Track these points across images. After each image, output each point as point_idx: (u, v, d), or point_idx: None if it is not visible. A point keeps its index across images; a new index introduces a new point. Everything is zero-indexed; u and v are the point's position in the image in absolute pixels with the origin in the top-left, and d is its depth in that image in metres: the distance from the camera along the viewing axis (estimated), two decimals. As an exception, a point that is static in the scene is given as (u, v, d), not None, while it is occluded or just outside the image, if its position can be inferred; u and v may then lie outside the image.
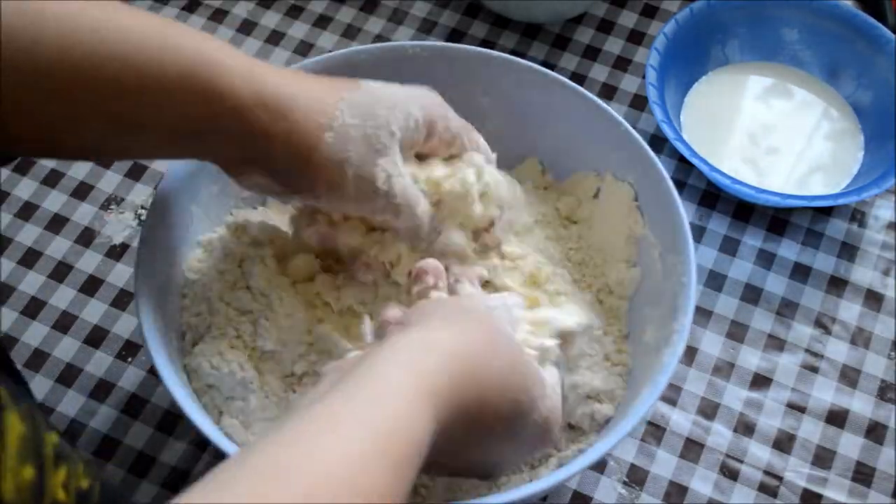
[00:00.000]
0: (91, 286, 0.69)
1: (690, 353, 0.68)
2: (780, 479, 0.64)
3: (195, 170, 0.61)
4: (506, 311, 0.54)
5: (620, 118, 0.63)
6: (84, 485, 0.42)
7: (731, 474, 0.64)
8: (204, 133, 0.50)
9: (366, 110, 0.52)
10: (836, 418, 0.66)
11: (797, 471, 0.64)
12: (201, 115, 0.49)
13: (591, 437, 0.59)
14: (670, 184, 0.60)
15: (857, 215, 0.74)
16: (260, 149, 0.51)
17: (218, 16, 0.83)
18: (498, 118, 0.66)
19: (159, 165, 0.74)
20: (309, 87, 0.52)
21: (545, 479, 0.51)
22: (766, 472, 0.64)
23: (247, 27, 0.82)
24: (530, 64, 0.65)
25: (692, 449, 0.65)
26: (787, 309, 0.70)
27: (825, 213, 0.73)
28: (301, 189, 0.53)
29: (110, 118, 0.49)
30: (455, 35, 0.81)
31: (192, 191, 0.62)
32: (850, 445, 0.65)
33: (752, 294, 0.70)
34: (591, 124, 0.64)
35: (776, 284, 0.71)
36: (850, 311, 0.70)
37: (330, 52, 0.81)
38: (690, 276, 0.57)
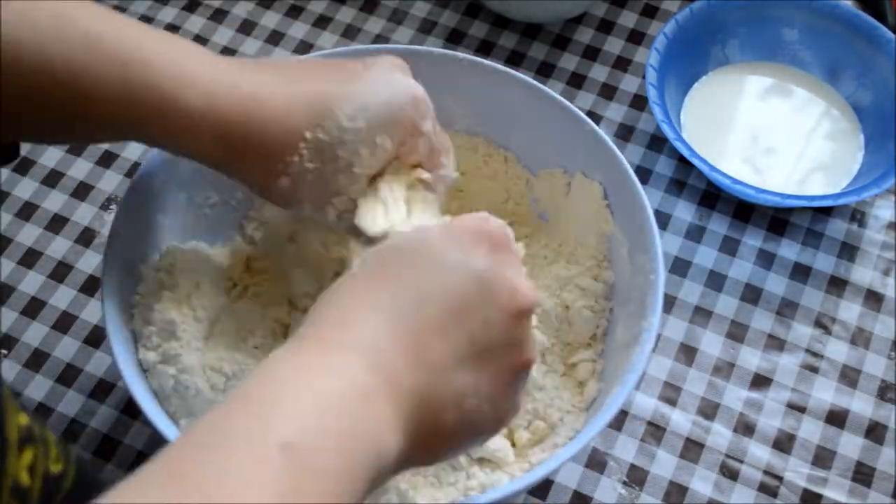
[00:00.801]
0: (91, 286, 0.69)
1: (690, 353, 0.68)
2: (780, 479, 0.64)
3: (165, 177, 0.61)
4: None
5: (586, 118, 0.63)
6: (55, 469, 0.41)
7: (731, 474, 0.64)
8: (168, 147, 0.51)
9: (328, 153, 0.50)
10: (836, 418, 0.66)
11: (797, 471, 0.64)
12: (159, 133, 0.48)
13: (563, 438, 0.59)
14: (636, 182, 0.60)
15: (857, 215, 0.74)
16: (221, 170, 0.51)
17: (218, 16, 0.83)
18: (465, 119, 0.67)
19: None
20: (274, 111, 0.49)
21: (508, 484, 0.53)
22: (766, 472, 0.64)
23: (247, 27, 0.82)
24: (494, 65, 0.65)
25: (692, 449, 0.65)
26: (787, 309, 0.70)
27: (825, 213, 0.73)
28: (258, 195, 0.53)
29: (65, 125, 0.49)
30: (455, 35, 0.82)
31: (161, 199, 0.62)
32: (850, 445, 0.65)
33: (752, 294, 0.70)
34: (557, 123, 0.64)
35: (776, 284, 0.71)
36: (850, 311, 0.70)
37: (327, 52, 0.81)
38: (658, 274, 0.57)
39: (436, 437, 0.43)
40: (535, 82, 0.64)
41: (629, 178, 0.61)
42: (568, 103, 0.64)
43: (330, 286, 0.45)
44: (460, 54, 0.65)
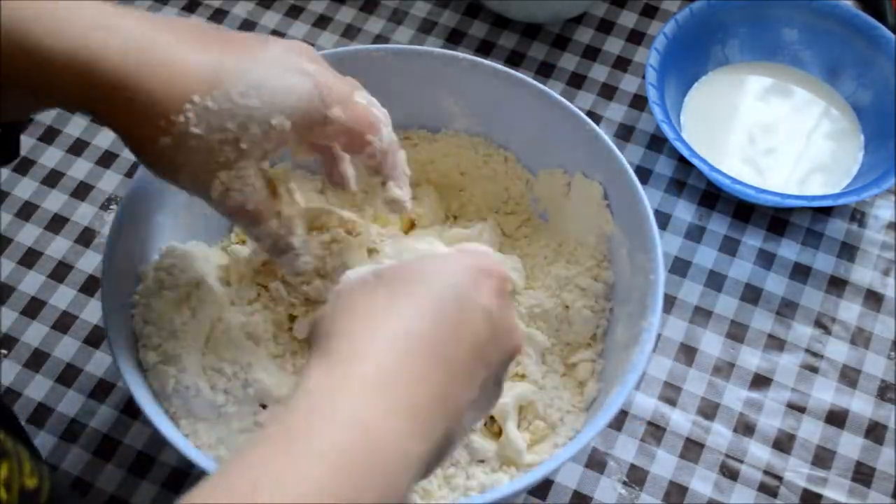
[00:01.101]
0: (91, 286, 0.69)
1: (690, 353, 0.68)
2: (780, 479, 0.64)
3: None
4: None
5: (586, 118, 0.63)
6: (30, 484, 0.40)
7: (731, 474, 0.64)
8: (40, 95, 0.48)
9: (215, 122, 0.47)
10: (836, 418, 0.66)
11: (797, 471, 0.64)
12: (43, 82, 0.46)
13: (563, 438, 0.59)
14: (636, 182, 0.60)
15: (857, 215, 0.74)
16: (104, 121, 0.49)
17: (218, 16, 0.83)
18: (465, 119, 0.67)
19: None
20: (165, 67, 0.47)
21: (508, 484, 0.53)
22: (766, 472, 0.64)
23: (247, 27, 0.82)
24: (494, 65, 0.65)
25: (692, 449, 0.65)
26: (787, 309, 0.70)
27: (825, 213, 0.73)
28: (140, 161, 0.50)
29: None
30: (455, 35, 0.82)
31: (159, 200, 0.62)
32: (850, 445, 0.65)
33: (752, 294, 0.70)
34: (557, 123, 0.64)
35: (776, 284, 0.71)
36: (850, 311, 0.70)
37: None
38: (658, 274, 0.57)
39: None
40: (534, 82, 0.64)
41: (629, 177, 0.61)
42: (568, 103, 0.64)
43: (335, 301, 0.45)
44: (460, 54, 0.65)
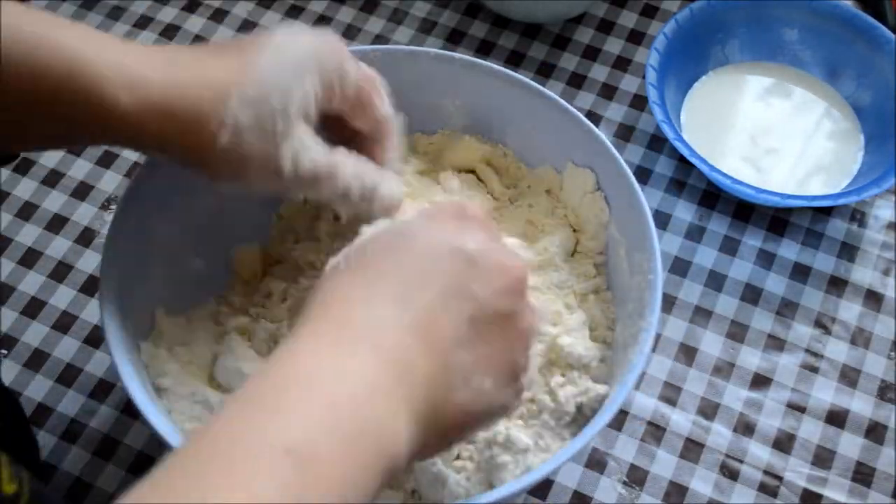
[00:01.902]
0: (91, 286, 0.69)
1: (690, 353, 0.68)
2: (780, 479, 0.64)
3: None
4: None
5: (583, 117, 0.63)
6: (9, 490, 0.40)
7: (731, 474, 0.64)
8: (94, 136, 0.51)
9: (258, 103, 0.49)
10: (836, 418, 0.66)
11: (797, 471, 0.64)
12: (87, 122, 0.48)
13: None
14: (633, 181, 0.60)
15: (857, 215, 0.74)
16: (155, 149, 0.51)
17: (218, 16, 0.83)
18: (462, 118, 0.67)
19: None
20: (194, 76, 0.49)
21: (508, 485, 0.52)
22: (766, 472, 0.64)
23: (247, 27, 0.82)
24: (491, 65, 0.65)
25: (692, 449, 0.65)
26: (787, 309, 0.70)
27: (825, 213, 0.73)
28: (208, 176, 0.52)
29: None
30: (455, 35, 0.82)
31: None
32: (850, 445, 0.65)
33: (752, 294, 0.70)
34: (554, 123, 0.64)
35: (776, 284, 0.71)
36: (850, 311, 0.70)
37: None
38: (657, 274, 0.57)
39: (448, 419, 0.44)
40: (531, 83, 0.64)
41: (627, 178, 0.60)
42: (565, 103, 0.63)
43: (317, 283, 0.45)
44: (457, 55, 0.65)
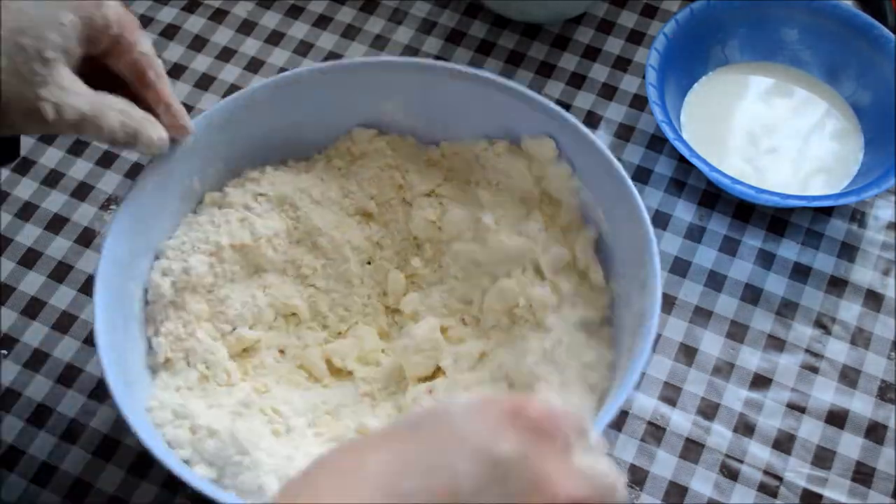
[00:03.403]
0: (91, 286, 0.69)
1: (690, 353, 0.68)
2: (780, 479, 0.64)
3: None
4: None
5: (555, 107, 0.64)
6: None
7: (731, 474, 0.64)
8: None
9: (11, 47, 0.47)
10: (836, 418, 0.66)
11: (797, 471, 0.64)
12: None
13: None
14: (627, 179, 0.61)
15: (857, 215, 0.74)
16: None
17: (218, 16, 0.83)
18: (409, 119, 0.68)
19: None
20: None
21: None
22: (766, 473, 0.64)
23: (247, 27, 0.82)
24: (431, 62, 0.66)
25: (692, 449, 0.65)
26: (787, 309, 0.70)
27: (825, 213, 0.73)
28: None
29: None
30: (454, 35, 0.81)
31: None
32: (850, 445, 0.65)
33: (752, 294, 0.70)
34: (524, 114, 0.65)
35: (776, 284, 0.71)
36: (850, 311, 0.70)
37: (329, 54, 0.81)
38: (656, 274, 0.58)
39: None
40: (491, 76, 0.65)
41: (619, 175, 0.61)
42: (534, 94, 0.64)
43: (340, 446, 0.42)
44: (388, 58, 0.67)
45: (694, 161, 0.70)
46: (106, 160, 0.75)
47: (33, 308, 0.69)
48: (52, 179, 0.74)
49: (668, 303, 0.69)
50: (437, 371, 0.62)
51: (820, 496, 0.63)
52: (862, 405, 0.66)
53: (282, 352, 0.63)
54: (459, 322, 0.64)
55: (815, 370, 0.67)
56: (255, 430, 0.56)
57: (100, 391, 0.65)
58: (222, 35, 0.82)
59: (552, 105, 0.63)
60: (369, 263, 0.66)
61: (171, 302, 0.60)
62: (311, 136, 0.67)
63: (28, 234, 0.72)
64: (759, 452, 0.64)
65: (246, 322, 0.62)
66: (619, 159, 0.65)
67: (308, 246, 0.64)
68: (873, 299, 0.70)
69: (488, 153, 0.67)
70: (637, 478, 0.63)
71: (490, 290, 0.64)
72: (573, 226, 0.65)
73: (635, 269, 0.59)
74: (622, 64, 0.80)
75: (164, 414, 0.57)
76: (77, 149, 0.76)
